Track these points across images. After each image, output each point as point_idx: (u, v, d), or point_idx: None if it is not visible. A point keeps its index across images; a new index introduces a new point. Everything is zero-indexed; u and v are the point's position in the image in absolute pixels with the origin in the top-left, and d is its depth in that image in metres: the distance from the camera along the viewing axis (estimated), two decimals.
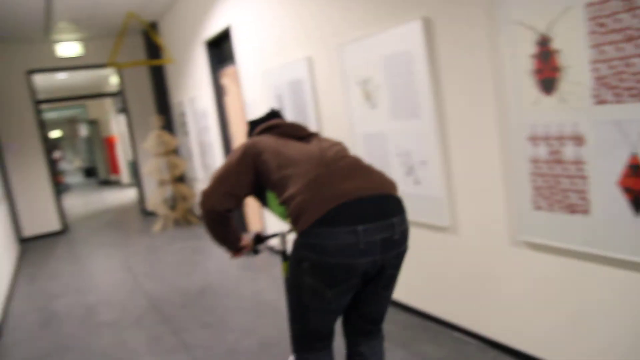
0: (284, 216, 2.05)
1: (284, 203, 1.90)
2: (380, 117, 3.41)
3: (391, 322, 3.47)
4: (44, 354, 3.82)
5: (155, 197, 7.89)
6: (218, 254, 5.95)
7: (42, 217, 8.58)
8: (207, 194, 2.04)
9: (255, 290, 4.51)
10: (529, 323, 2.70)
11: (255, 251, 2.33)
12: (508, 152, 2.57)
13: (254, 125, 2.31)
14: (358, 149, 3.64)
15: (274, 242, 5.45)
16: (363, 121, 3.53)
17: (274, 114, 2.34)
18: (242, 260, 5.51)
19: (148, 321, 4.16)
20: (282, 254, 2.34)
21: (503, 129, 2.58)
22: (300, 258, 1.85)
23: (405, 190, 3.31)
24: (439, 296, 3.30)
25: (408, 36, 3.02)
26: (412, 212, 3.29)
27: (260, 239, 2.34)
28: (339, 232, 1.75)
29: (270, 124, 2.19)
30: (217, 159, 6.80)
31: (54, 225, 8.69)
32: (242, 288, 4.63)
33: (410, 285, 3.51)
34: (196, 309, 4.27)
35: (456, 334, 3.17)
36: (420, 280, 3.42)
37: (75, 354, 3.73)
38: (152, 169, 7.72)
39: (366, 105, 3.51)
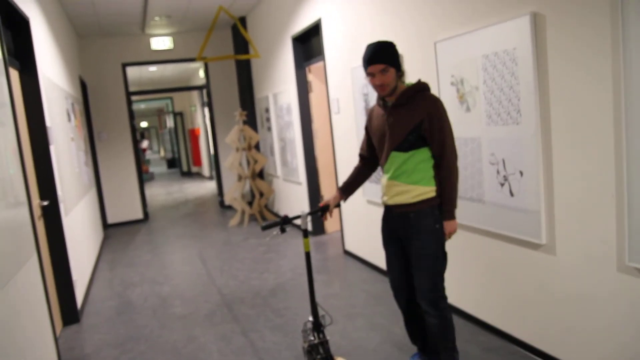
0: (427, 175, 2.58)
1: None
2: (474, 121, 3.14)
3: (471, 342, 3.19)
4: (118, 341, 3.86)
5: (233, 191, 7.95)
6: (291, 253, 5.86)
7: (126, 205, 8.92)
8: (457, 154, 2.58)
9: (327, 294, 4.36)
10: (631, 358, 2.35)
11: (283, 230, 2.79)
12: (628, 164, 2.23)
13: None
14: None
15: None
16: (455, 125, 3.27)
17: None
18: (316, 263, 5.38)
19: (218, 318, 4.11)
20: (305, 231, 2.82)
21: (624, 138, 2.24)
22: (441, 223, 2.60)
23: (497, 201, 3.02)
24: (527, 318, 2.97)
25: (513, 33, 2.74)
26: (504, 226, 2.99)
27: (287, 219, 2.80)
28: None
29: None
30: (298, 156, 6.72)
31: (137, 213, 9.00)
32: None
33: (495, 304, 3.21)
34: (267, 310, 4.17)
35: None
36: (507, 300, 3.11)
37: (147, 344, 3.74)
38: (232, 163, 7.78)
39: (460, 107, 3.25)
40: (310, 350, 2.90)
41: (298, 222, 6.64)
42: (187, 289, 4.96)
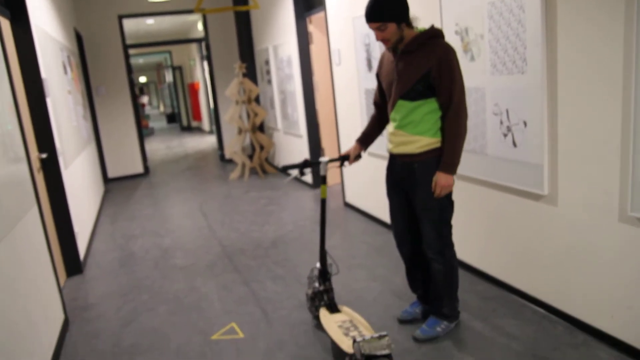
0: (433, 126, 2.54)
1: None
2: (478, 71, 3.07)
3: (470, 292, 3.23)
4: (121, 291, 3.91)
5: (234, 145, 7.91)
6: (293, 206, 5.87)
7: (126, 160, 8.89)
8: (466, 109, 2.49)
9: (328, 246, 4.38)
10: (630, 309, 2.37)
11: (302, 173, 2.80)
12: (635, 116, 2.19)
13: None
14: None
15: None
16: None
17: None
18: (317, 215, 5.40)
19: (219, 269, 4.16)
20: (323, 178, 2.84)
21: (633, 89, 2.19)
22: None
23: (499, 153, 2.99)
24: (525, 269, 3.00)
25: None
26: (506, 177, 2.97)
27: (308, 163, 2.80)
28: None
29: None
30: (299, 109, 6.64)
31: (137, 167, 8.98)
32: (316, 244, 4.52)
33: (494, 254, 3.23)
34: (268, 261, 4.21)
35: (542, 312, 2.88)
36: (506, 250, 3.12)
37: (149, 294, 3.79)
38: (232, 116, 7.71)
39: (464, 57, 3.17)
40: (314, 297, 2.94)
41: (296, 175, 6.62)
42: (188, 241, 4.99)
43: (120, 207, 6.83)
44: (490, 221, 3.24)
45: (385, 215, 4.73)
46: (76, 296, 3.92)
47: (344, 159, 2.92)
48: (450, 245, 2.64)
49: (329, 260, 2.92)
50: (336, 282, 3.64)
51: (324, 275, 2.90)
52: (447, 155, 2.49)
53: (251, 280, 3.85)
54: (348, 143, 5.35)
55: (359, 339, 2.24)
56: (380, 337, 2.25)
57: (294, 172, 3.02)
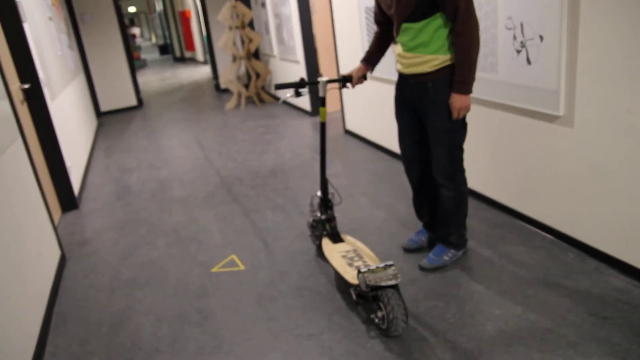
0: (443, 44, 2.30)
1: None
2: None
3: (477, 218, 3.12)
4: (118, 225, 3.81)
5: (228, 73, 7.62)
6: (291, 134, 5.69)
7: (118, 92, 8.61)
8: (476, 20, 2.21)
9: (329, 175, 4.25)
10: None
11: (298, 94, 2.61)
12: None
13: None
14: None
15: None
16: None
17: None
18: (316, 143, 5.23)
19: (218, 200, 4.04)
20: (322, 99, 2.64)
21: None
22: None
23: (511, 72, 2.78)
24: (535, 195, 2.87)
25: None
26: (518, 98, 2.78)
27: (304, 83, 2.60)
28: None
29: None
30: (295, 33, 6.31)
31: (130, 100, 8.72)
32: (316, 172, 4.38)
33: (502, 180, 3.09)
34: (267, 190, 4.09)
35: (551, 238, 2.78)
36: (515, 176, 2.98)
37: (147, 227, 3.70)
38: (225, 42, 7.36)
39: None
40: (315, 225, 2.84)
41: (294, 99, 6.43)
42: (185, 173, 4.86)
43: (115, 140, 6.65)
44: (498, 145, 3.08)
45: (387, 141, 4.56)
46: (72, 231, 3.83)
47: (346, 80, 2.70)
48: (461, 170, 2.50)
49: (330, 189, 2.78)
50: (339, 210, 3.53)
51: (326, 203, 2.78)
52: (459, 73, 2.27)
53: (250, 210, 3.75)
54: (348, 67, 5.09)
55: (363, 269, 2.14)
56: (386, 267, 2.15)
57: (288, 93, 2.77)
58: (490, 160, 3.18)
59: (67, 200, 4.23)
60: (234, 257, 3.10)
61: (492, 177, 3.22)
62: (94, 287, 2.96)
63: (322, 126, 2.67)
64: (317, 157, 4.77)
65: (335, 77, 6.32)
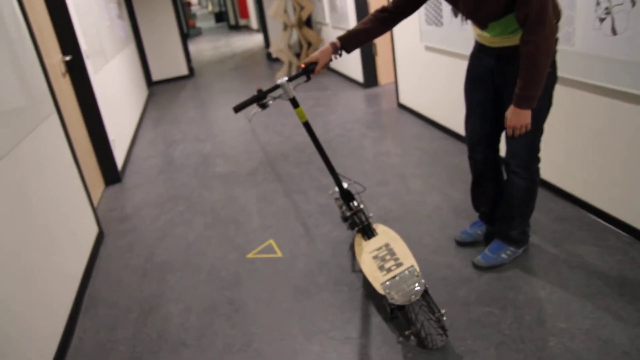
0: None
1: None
2: None
3: (540, 210, 2.78)
4: (158, 201, 3.71)
5: (279, 42, 7.37)
6: (342, 107, 5.42)
7: (170, 61, 8.55)
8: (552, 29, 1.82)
9: (378, 152, 3.97)
10: None
11: (263, 106, 2.20)
12: None
13: None
14: None
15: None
16: None
17: None
18: (368, 117, 4.94)
19: (261, 177, 3.86)
20: (293, 101, 2.24)
21: None
22: (553, 79, 2.01)
23: (591, 43, 2.38)
24: (613, 186, 2.49)
25: None
26: (597, 75, 2.39)
27: (262, 94, 2.18)
28: None
29: None
30: (348, 1, 5.96)
31: (181, 69, 8.65)
32: (365, 149, 4.11)
33: (573, 166, 2.72)
34: (312, 168, 3.87)
35: (629, 238, 2.42)
36: (589, 162, 2.61)
37: (187, 204, 3.57)
38: (276, 10, 7.09)
39: None
40: (345, 221, 2.58)
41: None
42: (229, 147, 4.70)
43: (163, 110, 6.59)
44: (572, 128, 2.70)
45: (441, 117, 4.22)
46: (113, 206, 3.76)
47: (308, 70, 2.19)
48: (538, 158, 2.17)
49: (347, 182, 2.43)
50: (386, 193, 3.27)
51: (346, 196, 2.46)
52: (521, 84, 1.87)
53: (293, 190, 3.54)
54: (400, 36, 4.73)
55: (386, 286, 1.90)
56: (409, 274, 1.90)
57: (254, 109, 2.26)
58: (561, 145, 2.81)
59: (111, 173, 4.17)
60: (271, 242, 2.91)
61: (562, 164, 2.85)
62: (128, 269, 2.86)
63: (306, 126, 2.32)
64: (369, 134, 4.48)
65: (389, 47, 5.94)
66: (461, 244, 2.57)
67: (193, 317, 2.35)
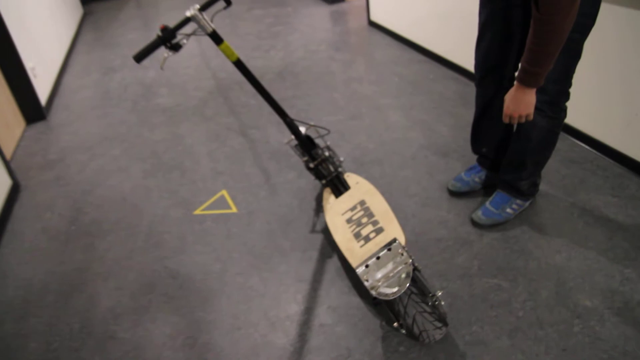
0: None
1: None
2: None
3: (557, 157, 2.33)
4: (89, 143, 3.11)
5: None
6: (304, 25, 4.75)
7: None
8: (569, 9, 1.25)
9: (348, 78, 3.42)
10: None
11: (174, 47, 1.65)
12: None
13: None
14: None
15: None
16: None
17: None
18: (334, 37, 4.32)
19: (211, 110, 3.28)
20: (213, 35, 1.68)
21: None
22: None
23: None
24: (630, 120, 2.06)
25: None
26: None
27: (169, 32, 1.63)
28: None
29: None
30: None
31: None
32: (334, 74, 3.54)
33: (578, 96, 2.25)
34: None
35: None
36: (597, 91, 2.15)
37: (123, 146, 2.99)
38: None
39: None
40: (311, 170, 2.06)
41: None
42: (176, 74, 4.05)
43: (101, 32, 5.75)
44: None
45: (422, 38, 3.65)
46: (34, 150, 3.14)
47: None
48: (568, 93, 1.68)
49: (304, 127, 1.91)
50: (360, 129, 2.76)
51: (306, 144, 1.95)
52: (530, 57, 1.37)
53: (250, 126, 2.99)
54: None
55: (361, 271, 1.43)
56: (390, 249, 1.44)
57: (165, 53, 1.61)
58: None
59: (31, 109, 3.50)
60: (224, 193, 2.40)
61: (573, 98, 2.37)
62: (46, 233, 2.31)
63: (239, 65, 1.76)
64: (336, 56, 3.89)
65: None
66: (455, 193, 2.12)
67: (125, 299, 1.86)
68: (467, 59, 3.13)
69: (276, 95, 3.31)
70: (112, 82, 4.09)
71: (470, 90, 3.01)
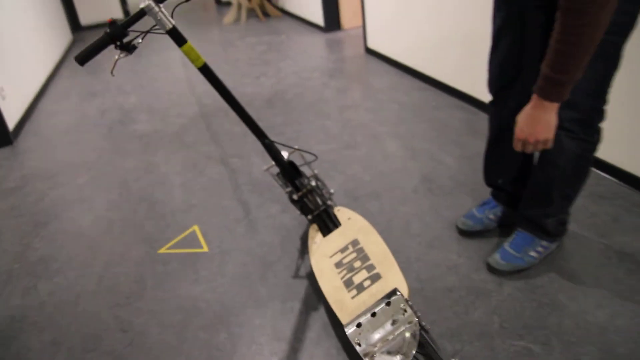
0: None
1: None
2: None
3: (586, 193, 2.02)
4: (52, 170, 2.78)
5: None
6: (296, 53, 4.51)
7: (102, 3, 7.36)
8: None
9: (344, 106, 3.13)
10: None
11: (127, 47, 1.33)
12: None
13: None
14: None
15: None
16: None
17: None
18: (330, 64, 4.07)
19: (191, 138, 2.97)
20: (172, 33, 1.33)
21: None
22: None
23: None
24: None
25: None
26: None
27: (117, 30, 1.30)
28: None
29: None
30: None
31: (115, 12, 7.48)
32: (327, 102, 3.26)
33: (609, 126, 1.96)
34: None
35: None
36: (632, 120, 1.86)
37: (88, 175, 2.66)
38: None
39: None
40: (295, 202, 1.74)
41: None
42: (157, 99, 3.76)
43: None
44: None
45: (421, 64, 3.38)
46: None
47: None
48: (603, 111, 1.37)
49: (288, 151, 1.61)
50: (355, 158, 2.45)
51: (288, 172, 1.65)
52: (553, 60, 1.08)
53: (232, 154, 2.68)
54: None
55: (351, 332, 1.10)
56: (388, 303, 1.12)
57: (116, 55, 1.25)
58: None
59: None
60: (195, 229, 2.07)
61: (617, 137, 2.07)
62: None
63: (205, 71, 1.42)
64: (330, 83, 3.62)
65: None
66: (466, 233, 1.78)
67: (61, 357, 1.50)
68: (471, 86, 2.85)
69: (263, 123, 3.01)
70: (90, 107, 3.80)
71: (477, 118, 2.72)
